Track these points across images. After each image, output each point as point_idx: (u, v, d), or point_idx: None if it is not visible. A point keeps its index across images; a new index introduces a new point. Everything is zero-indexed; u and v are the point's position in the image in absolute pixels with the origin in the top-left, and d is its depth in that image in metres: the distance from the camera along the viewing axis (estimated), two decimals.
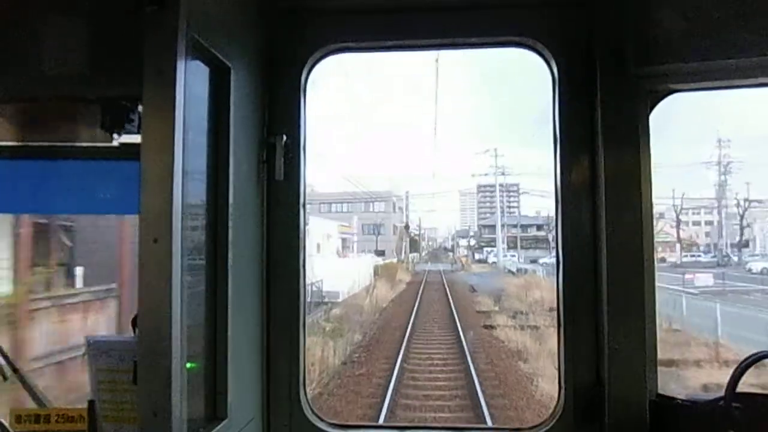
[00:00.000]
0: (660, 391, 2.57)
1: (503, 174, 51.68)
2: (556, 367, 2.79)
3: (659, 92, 2.67)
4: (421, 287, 35.76)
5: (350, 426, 2.88)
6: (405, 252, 54.40)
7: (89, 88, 2.39)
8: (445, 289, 34.74)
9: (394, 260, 48.42)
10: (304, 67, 2.86)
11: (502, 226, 55.57)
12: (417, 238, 60.79)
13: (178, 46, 1.92)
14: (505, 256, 50.57)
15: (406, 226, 53.77)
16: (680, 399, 2.50)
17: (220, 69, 2.40)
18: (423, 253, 63.16)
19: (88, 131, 2.57)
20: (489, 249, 56.11)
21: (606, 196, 2.59)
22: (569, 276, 2.71)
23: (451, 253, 64.54)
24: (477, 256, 56.53)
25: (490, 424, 11.54)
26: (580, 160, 2.72)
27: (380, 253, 49.22)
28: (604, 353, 2.58)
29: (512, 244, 53.78)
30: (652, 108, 2.66)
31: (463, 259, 55.18)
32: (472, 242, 62.04)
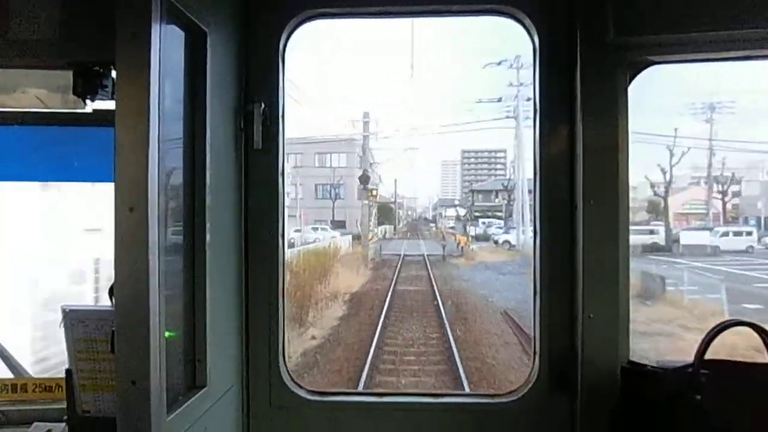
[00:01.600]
0: (631, 358, 2.64)
1: (528, 100, 27.49)
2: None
3: (639, 63, 2.67)
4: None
5: (329, 393, 2.92)
6: (371, 224, 34.86)
7: (60, 53, 2.33)
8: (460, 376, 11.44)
9: (339, 240, 30.41)
10: (282, 33, 2.82)
11: (498, 191, 40.46)
12: (392, 205, 44.69)
13: (153, 9, 1.87)
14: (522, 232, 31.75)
15: (364, 178, 32.63)
16: (651, 366, 2.56)
17: (196, 34, 2.34)
18: (400, 224, 48.01)
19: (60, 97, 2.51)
20: (486, 221, 40.15)
21: (584, 166, 2.62)
22: (546, 245, 2.75)
23: (433, 225, 50.89)
24: (470, 231, 39.29)
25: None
26: (560, 130, 2.73)
27: (338, 225, 34.75)
28: (578, 321, 2.63)
29: (508, 215, 37.58)
30: (631, 79, 2.67)
31: (461, 239, 34.99)
32: (462, 212, 45.59)
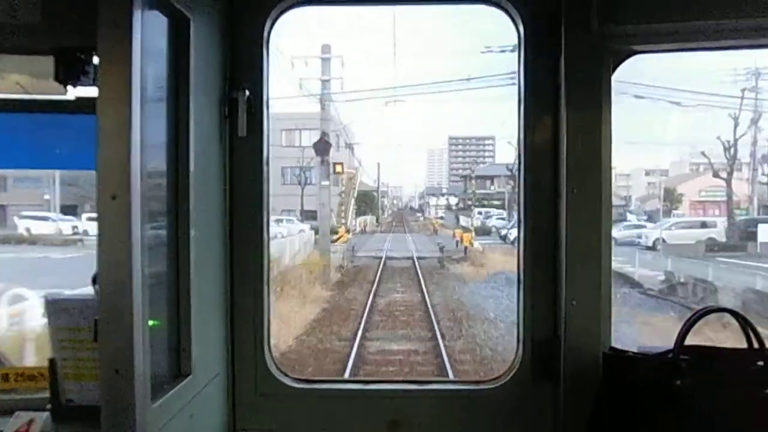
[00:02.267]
0: (613, 344, 2.68)
1: None
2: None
3: (622, 52, 2.69)
4: None
5: (315, 381, 2.93)
6: (349, 214, 28.60)
7: (42, 39, 2.30)
8: None
9: (306, 237, 24.26)
10: (267, 20, 2.79)
11: (494, 177, 35.06)
12: (374, 193, 38.71)
13: None
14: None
15: (321, 146, 23.15)
16: (632, 352, 2.60)
17: (179, 20, 2.32)
18: (385, 214, 42.74)
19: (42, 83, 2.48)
20: (483, 211, 34.23)
21: (567, 154, 2.63)
22: (530, 232, 2.77)
23: (420, 215, 46.60)
24: (466, 223, 32.52)
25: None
26: (544, 118, 2.74)
27: (309, 216, 27.07)
28: (561, 308, 2.66)
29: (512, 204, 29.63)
30: (614, 68, 2.69)
31: (463, 235, 26.47)
32: (453, 200, 39.95)
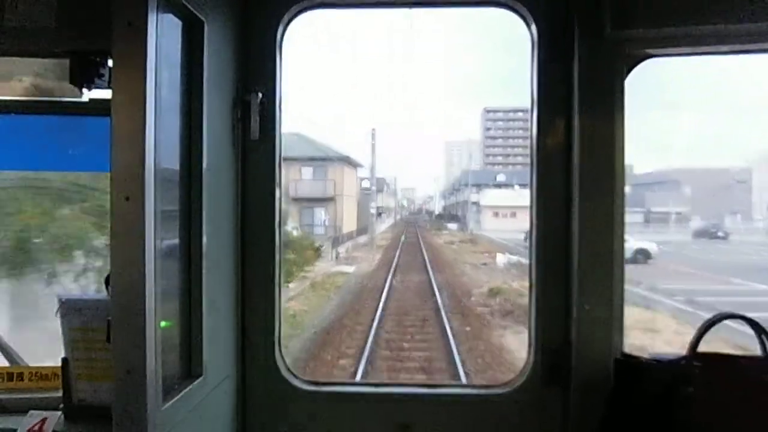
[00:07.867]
0: (625, 350, 2.66)
1: None
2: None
3: (636, 57, 2.67)
4: None
5: (325, 383, 2.93)
6: None
7: (57, 41, 2.32)
8: None
9: None
10: (280, 23, 2.81)
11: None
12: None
13: None
14: None
15: None
16: (644, 358, 2.58)
17: (193, 23, 2.33)
18: (392, 221, 30.87)
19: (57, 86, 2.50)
20: None
21: (580, 159, 2.62)
22: (542, 237, 2.76)
23: (455, 226, 31.25)
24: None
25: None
26: (557, 123, 2.73)
27: None
28: (572, 313, 2.64)
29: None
30: (628, 72, 2.67)
31: None
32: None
